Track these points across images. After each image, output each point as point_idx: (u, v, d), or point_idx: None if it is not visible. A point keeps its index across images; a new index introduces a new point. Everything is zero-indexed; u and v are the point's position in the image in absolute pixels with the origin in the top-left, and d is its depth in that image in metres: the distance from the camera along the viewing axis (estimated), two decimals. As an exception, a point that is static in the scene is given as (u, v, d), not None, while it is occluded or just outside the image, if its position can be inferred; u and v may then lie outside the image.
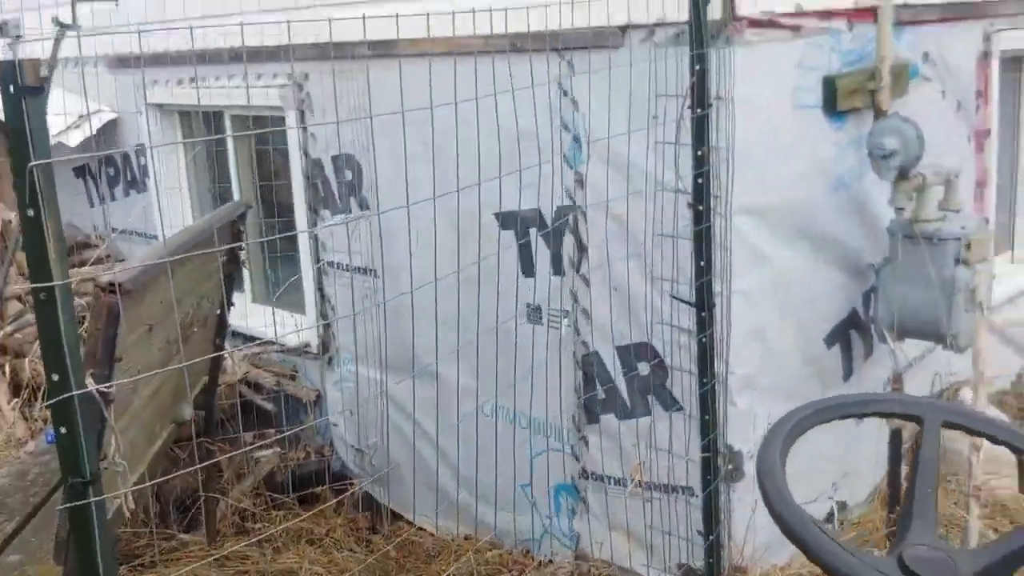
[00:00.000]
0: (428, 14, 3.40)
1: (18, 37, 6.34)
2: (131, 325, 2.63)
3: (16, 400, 4.83)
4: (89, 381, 2.60)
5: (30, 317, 5.10)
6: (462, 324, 3.92)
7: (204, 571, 4.10)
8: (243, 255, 4.28)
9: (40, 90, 1.49)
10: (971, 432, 1.87)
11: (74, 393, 1.56)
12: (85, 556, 1.61)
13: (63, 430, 1.57)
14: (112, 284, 2.44)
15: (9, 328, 5.06)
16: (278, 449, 4.77)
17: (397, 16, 3.27)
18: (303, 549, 4.26)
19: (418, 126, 4.01)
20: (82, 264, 5.62)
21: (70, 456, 1.58)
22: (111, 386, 2.51)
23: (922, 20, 4.26)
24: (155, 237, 5.68)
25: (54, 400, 1.56)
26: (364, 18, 3.37)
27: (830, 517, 4.05)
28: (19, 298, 5.26)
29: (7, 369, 4.90)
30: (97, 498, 1.59)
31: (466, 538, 4.43)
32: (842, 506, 4.12)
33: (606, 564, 4.08)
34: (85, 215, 6.10)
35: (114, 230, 5.94)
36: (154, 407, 3.31)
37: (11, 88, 1.46)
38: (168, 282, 3.05)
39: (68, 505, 1.59)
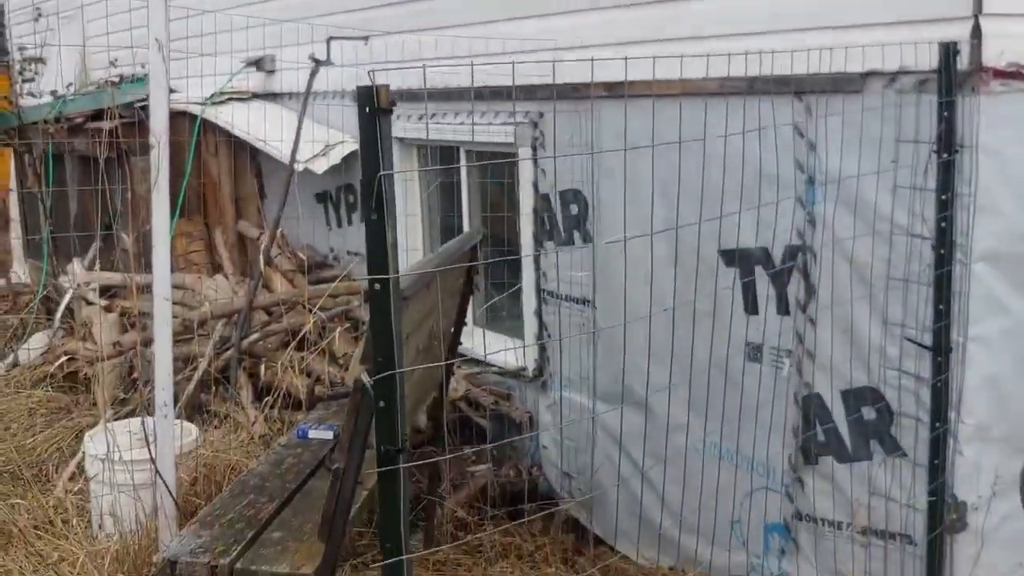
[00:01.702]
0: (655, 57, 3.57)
1: (271, 71, 6.98)
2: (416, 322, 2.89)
3: (259, 402, 5.27)
4: (364, 376, 2.88)
5: (274, 327, 5.56)
6: (678, 358, 4.03)
7: (423, 573, 4.34)
8: (477, 279, 4.55)
9: (390, 112, 1.73)
10: None
11: (396, 371, 1.78)
12: (391, 515, 1.83)
13: (382, 404, 1.80)
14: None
15: (255, 336, 5.52)
16: (491, 465, 5.00)
17: (626, 60, 3.45)
18: (512, 562, 4.43)
19: (648, 163, 4.19)
20: (320, 282, 6.06)
21: (386, 427, 1.81)
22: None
23: None
24: (385, 260, 6.07)
25: (379, 376, 1.79)
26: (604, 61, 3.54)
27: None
28: (265, 310, 5.73)
29: (258, 373, 5.37)
30: (405, 464, 1.81)
31: (671, 569, 4.50)
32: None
33: (815, 607, 4.06)
34: (323, 238, 6.58)
35: (349, 252, 6.37)
36: (399, 411, 3.58)
37: (367, 109, 1.70)
38: (425, 295, 3.32)
39: (381, 469, 1.81)
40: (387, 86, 1.74)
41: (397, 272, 1.78)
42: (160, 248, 3.91)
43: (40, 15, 7.26)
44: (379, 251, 1.75)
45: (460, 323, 4.46)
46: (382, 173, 1.69)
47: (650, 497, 4.54)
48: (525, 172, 5.05)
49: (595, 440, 4.83)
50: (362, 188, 1.74)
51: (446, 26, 5.39)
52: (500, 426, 5.29)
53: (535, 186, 5.04)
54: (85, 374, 6.10)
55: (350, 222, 6.41)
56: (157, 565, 3.10)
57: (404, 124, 5.77)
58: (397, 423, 1.79)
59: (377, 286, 1.78)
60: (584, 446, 4.93)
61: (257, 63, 6.81)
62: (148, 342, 5.86)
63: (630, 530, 4.66)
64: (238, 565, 3.00)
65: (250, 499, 3.46)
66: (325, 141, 6.16)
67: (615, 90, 4.44)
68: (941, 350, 3.37)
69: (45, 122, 7.40)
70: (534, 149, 4.99)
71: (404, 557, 1.85)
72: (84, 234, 7.20)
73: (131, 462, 4.13)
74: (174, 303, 5.91)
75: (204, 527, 3.23)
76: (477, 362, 5.47)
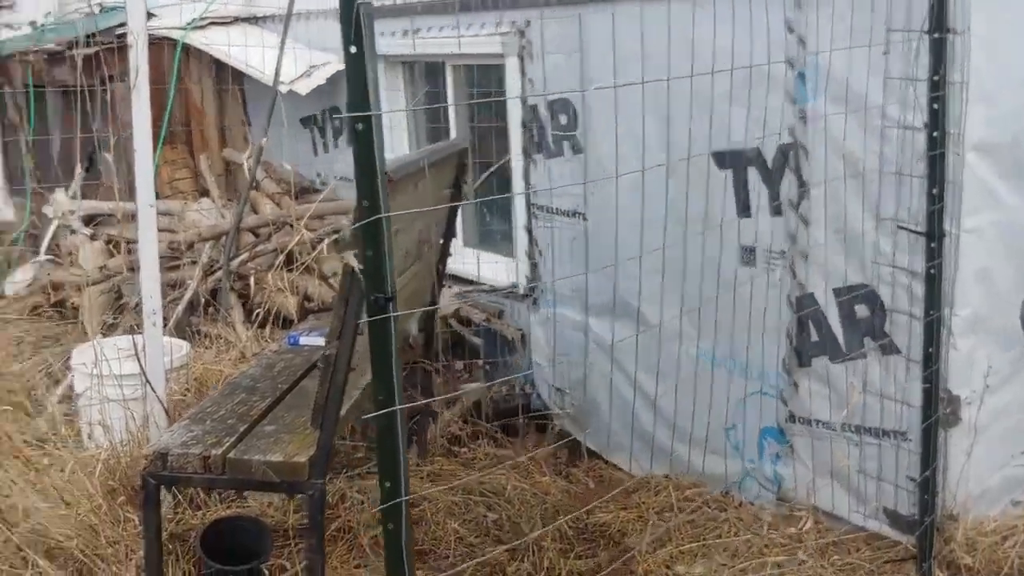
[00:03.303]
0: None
1: (256, -4, 6.85)
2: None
3: (249, 322, 5.24)
4: (352, 259, 2.84)
5: (263, 247, 5.51)
6: (672, 266, 3.99)
7: (417, 484, 4.34)
8: (465, 188, 4.49)
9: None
10: None
11: (381, 216, 1.73)
12: (382, 366, 1.79)
13: (369, 252, 1.75)
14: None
15: (243, 257, 5.47)
16: (484, 382, 4.99)
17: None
18: (506, 472, 4.43)
19: (636, 69, 4.12)
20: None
21: (375, 275, 1.76)
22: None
23: None
24: (373, 183, 6.01)
25: (362, 222, 1.74)
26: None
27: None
28: (252, 231, 5.67)
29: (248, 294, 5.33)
30: (395, 313, 1.77)
31: (665, 477, 4.50)
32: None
33: (811, 508, 4.06)
34: (310, 162, 6.51)
35: (336, 177, 6.31)
36: (389, 313, 3.54)
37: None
38: (413, 192, 3.27)
39: (370, 319, 1.77)
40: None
41: (379, 110, 1.72)
42: (142, 152, 3.84)
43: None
44: (359, 88, 1.70)
45: (449, 233, 4.42)
46: (359, 3, 1.63)
47: (644, 408, 4.53)
48: (512, 83, 4.97)
49: (588, 354, 4.81)
50: (341, 20, 1.67)
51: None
52: (492, 343, 5.27)
53: (523, 98, 4.97)
54: (73, 303, 6.05)
55: (336, 146, 6.33)
56: (147, 457, 3.08)
57: (388, 40, 5.67)
58: (385, 271, 1.75)
59: (359, 125, 1.72)
60: (577, 361, 4.91)
61: (238, -14, 6.69)
62: (135, 267, 5.83)
63: (624, 442, 4.65)
64: (231, 455, 2.98)
65: (241, 398, 3.43)
66: (309, 62, 6.06)
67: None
68: (935, 235, 3.33)
69: (23, 54, 7.26)
70: (521, 59, 4.91)
71: (396, 408, 1.81)
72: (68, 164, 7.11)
73: (120, 376, 4.10)
74: (161, 230, 5.84)
75: (195, 423, 3.20)
76: (469, 281, 5.44)
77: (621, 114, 4.21)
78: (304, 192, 6.32)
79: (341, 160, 6.29)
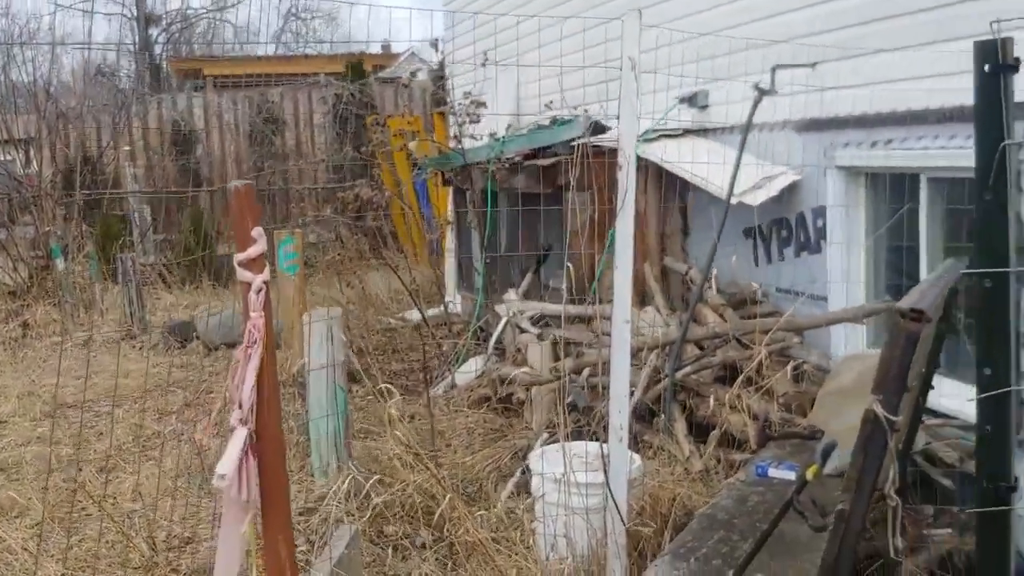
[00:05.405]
0: None
1: (704, 107, 6.89)
2: (915, 358, 2.56)
3: (691, 436, 5.11)
4: (876, 407, 2.58)
5: (709, 360, 5.39)
6: None
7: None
8: (956, 319, 4.07)
9: (1016, 68, 1.44)
10: None
11: (1012, 389, 1.48)
12: (996, 565, 1.52)
13: (988, 428, 1.50)
14: (914, 310, 2.38)
15: (688, 369, 5.38)
16: (954, 531, 4.42)
17: None
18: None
19: None
20: (749, 318, 5.82)
21: (994, 456, 1.51)
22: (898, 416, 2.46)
23: None
24: (823, 298, 5.70)
25: (987, 394, 1.50)
26: None
27: None
28: (697, 343, 5.59)
29: (690, 406, 5.23)
30: (1019, 505, 1.49)
31: None
32: None
33: None
34: (749, 274, 6.33)
35: (779, 289, 6.08)
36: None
37: (985, 66, 1.43)
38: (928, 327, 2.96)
39: (984, 510, 1.51)
40: (1011, 39, 1.45)
41: (1017, 266, 1.48)
42: (622, 270, 3.87)
43: (486, 61, 7.74)
44: (995, 237, 1.47)
45: (934, 364, 4.00)
46: (1007, 142, 1.40)
47: None
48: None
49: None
50: (977, 160, 1.46)
51: (908, 46, 5.00)
52: (966, 488, 4.69)
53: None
54: (519, 398, 6.29)
55: (781, 258, 6.11)
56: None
57: (853, 151, 5.41)
58: (1010, 453, 1.49)
59: (988, 282, 1.49)
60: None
61: (690, 99, 6.76)
62: (581, 369, 5.95)
63: None
64: (724, 604, 2.81)
65: (721, 535, 3.26)
66: (762, 174, 5.94)
67: None
68: None
69: (487, 162, 7.85)
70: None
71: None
72: (522, 254, 7.51)
73: (586, 485, 4.10)
74: (605, 334, 5.93)
75: (678, 559, 3.07)
76: (937, 413, 4.92)
77: None
78: (744, 303, 6.15)
79: (787, 272, 6.05)
